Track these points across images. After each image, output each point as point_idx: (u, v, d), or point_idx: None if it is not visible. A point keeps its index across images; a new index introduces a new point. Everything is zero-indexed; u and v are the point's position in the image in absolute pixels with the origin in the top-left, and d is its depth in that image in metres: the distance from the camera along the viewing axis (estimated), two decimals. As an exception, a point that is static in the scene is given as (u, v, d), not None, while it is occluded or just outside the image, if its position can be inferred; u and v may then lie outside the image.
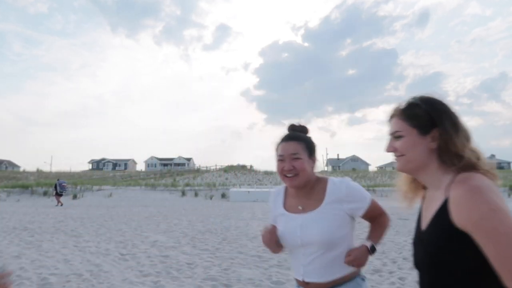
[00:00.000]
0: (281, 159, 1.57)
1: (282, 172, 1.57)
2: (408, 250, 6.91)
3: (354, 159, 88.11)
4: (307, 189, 1.60)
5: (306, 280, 1.54)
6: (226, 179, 37.71)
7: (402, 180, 1.30)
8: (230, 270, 5.46)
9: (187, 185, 32.00)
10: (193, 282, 4.79)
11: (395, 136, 1.18)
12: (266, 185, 33.03)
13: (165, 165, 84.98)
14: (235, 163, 53.00)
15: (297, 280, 1.60)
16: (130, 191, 27.88)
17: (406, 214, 14.19)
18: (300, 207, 1.60)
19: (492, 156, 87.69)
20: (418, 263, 1.15)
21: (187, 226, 10.57)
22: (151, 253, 6.64)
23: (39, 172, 44.58)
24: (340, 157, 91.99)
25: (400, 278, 4.97)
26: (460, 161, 1.08)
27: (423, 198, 1.24)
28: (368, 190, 29.79)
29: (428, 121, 1.13)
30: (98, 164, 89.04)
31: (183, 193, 27.10)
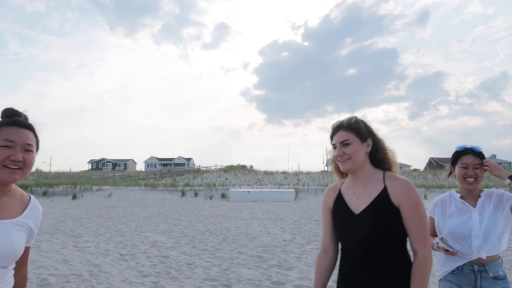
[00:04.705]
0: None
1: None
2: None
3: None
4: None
5: None
6: (226, 179, 37.68)
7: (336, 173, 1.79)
8: (230, 270, 5.45)
9: (187, 185, 31.96)
10: (193, 283, 4.77)
11: (344, 143, 1.59)
12: (266, 185, 33.01)
13: (164, 165, 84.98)
14: (235, 163, 53.03)
15: None
16: (130, 191, 27.85)
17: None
18: None
19: (493, 156, 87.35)
20: (360, 239, 1.52)
21: (187, 226, 10.56)
22: (151, 254, 6.63)
23: (38, 172, 44.53)
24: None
25: (400, 279, 4.96)
26: (386, 162, 1.64)
27: (343, 190, 1.68)
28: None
29: (365, 133, 1.62)
30: (97, 164, 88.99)
31: (183, 193, 27.07)
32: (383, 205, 1.52)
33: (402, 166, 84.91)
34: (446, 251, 2.00)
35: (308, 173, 42.92)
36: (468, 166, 2.11)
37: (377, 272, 1.49)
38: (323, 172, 47.05)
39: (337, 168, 1.76)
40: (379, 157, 1.64)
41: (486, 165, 2.08)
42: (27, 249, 1.46)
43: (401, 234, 1.53)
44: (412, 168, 77.14)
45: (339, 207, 1.66)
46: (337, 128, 1.64)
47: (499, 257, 2.08)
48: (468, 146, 2.16)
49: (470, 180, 2.11)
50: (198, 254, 6.65)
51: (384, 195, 1.53)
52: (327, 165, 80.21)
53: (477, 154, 2.12)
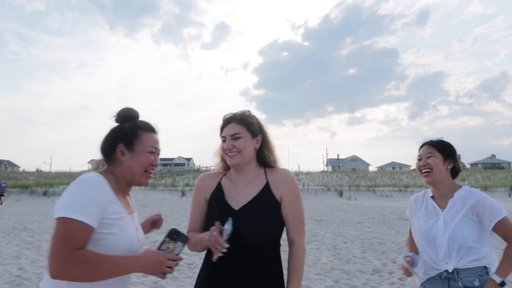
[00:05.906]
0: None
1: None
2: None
3: (354, 159, 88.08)
4: None
5: None
6: (226, 179, 37.69)
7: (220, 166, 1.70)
8: (230, 270, 5.45)
9: (187, 185, 31.97)
10: (193, 283, 4.77)
11: (235, 137, 1.52)
12: (266, 185, 32.97)
13: (165, 165, 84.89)
14: (235, 163, 52.90)
15: None
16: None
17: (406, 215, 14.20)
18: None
19: (493, 156, 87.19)
20: (237, 236, 1.38)
21: (187, 226, 10.56)
22: (151, 253, 6.63)
23: (38, 172, 44.49)
24: (340, 157, 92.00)
25: (400, 279, 4.96)
26: (274, 159, 1.61)
27: (224, 184, 1.61)
28: (368, 190, 29.72)
29: (256, 129, 1.57)
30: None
31: (183, 193, 27.10)
32: (265, 200, 1.50)
33: (402, 166, 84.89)
34: (406, 270, 1.86)
35: (308, 173, 42.89)
36: (421, 157, 1.88)
37: (253, 270, 1.43)
38: (323, 172, 47.02)
39: (222, 165, 1.71)
40: (264, 156, 1.60)
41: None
42: None
43: (279, 231, 1.53)
44: (412, 168, 77.08)
45: (216, 202, 1.60)
46: (229, 120, 1.58)
47: (482, 265, 1.73)
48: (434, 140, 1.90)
49: (425, 172, 1.85)
50: (198, 254, 6.65)
51: (266, 190, 1.52)
52: (327, 165, 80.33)
53: (433, 143, 1.87)
